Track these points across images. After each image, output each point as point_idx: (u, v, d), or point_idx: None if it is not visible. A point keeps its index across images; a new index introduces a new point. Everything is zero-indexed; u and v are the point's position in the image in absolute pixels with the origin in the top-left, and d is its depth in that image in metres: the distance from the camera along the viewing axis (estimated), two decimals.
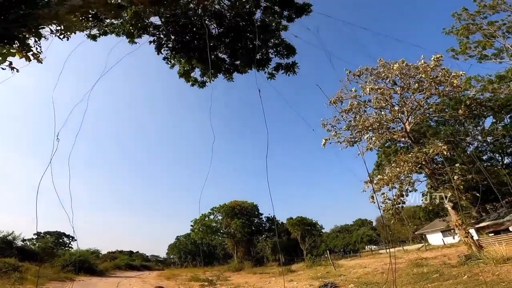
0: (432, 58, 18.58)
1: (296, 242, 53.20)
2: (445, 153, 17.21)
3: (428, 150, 17.67)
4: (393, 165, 19.84)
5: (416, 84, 19.16)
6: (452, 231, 26.54)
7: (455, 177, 16.53)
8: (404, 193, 19.26)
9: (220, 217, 53.07)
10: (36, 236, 58.05)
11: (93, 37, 9.14)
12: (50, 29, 4.59)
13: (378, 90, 19.65)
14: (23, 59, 4.37)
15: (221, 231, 53.72)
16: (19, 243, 35.30)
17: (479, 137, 25.54)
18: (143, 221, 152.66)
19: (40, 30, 4.04)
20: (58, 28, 4.59)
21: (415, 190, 20.02)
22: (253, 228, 54.05)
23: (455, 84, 18.00)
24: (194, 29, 8.96)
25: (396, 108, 20.10)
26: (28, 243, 47.95)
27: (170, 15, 8.76)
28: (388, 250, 42.04)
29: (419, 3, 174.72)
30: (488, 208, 25.57)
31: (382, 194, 19.57)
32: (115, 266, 43.77)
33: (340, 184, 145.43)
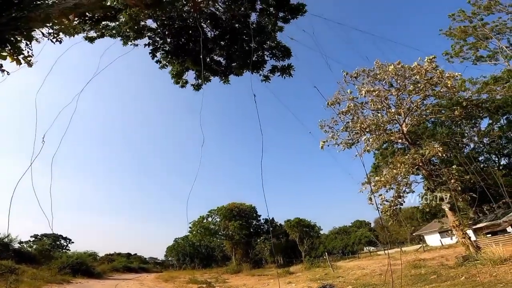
0: (426, 59, 18.68)
1: (295, 243, 53.12)
2: (440, 155, 17.27)
3: (425, 151, 17.71)
4: (390, 166, 19.87)
5: (412, 86, 19.24)
6: (449, 232, 26.61)
7: (452, 180, 16.58)
8: (401, 194, 19.31)
9: (218, 219, 52.99)
10: (33, 239, 57.81)
11: (91, 40, 9.12)
12: (42, 32, 4.57)
13: (374, 92, 19.72)
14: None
15: (220, 233, 53.61)
16: (16, 245, 35.16)
17: (475, 138, 25.63)
18: (141, 223, 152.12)
19: (32, 33, 4.02)
20: (51, 31, 4.57)
21: (413, 192, 20.07)
22: (252, 230, 53.94)
23: (449, 85, 18.08)
24: (190, 31, 8.96)
25: (393, 109, 20.16)
26: (25, 246, 47.71)
27: (166, 18, 8.76)
28: (386, 251, 42.11)
29: (418, 6, 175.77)
30: (485, 209, 25.62)
31: (379, 195, 19.61)
32: (112, 269, 43.60)
33: (338, 186, 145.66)
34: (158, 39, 9.16)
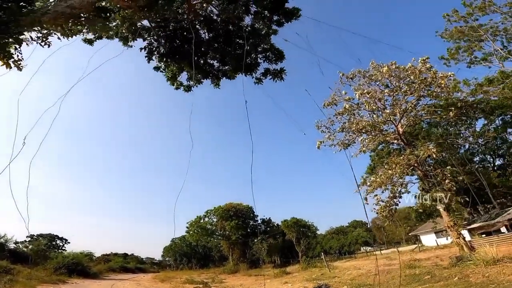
0: (420, 60, 18.82)
1: (292, 243, 53.16)
2: (434, 156, 17.39)
3: (419, 153, 17.82)
4: (385, 167, 19.97)
5: (406, 86, 19.37)
6: (444, 232, 26.77)
7: (446, 181, 16.70)
8: (397, 195, 19.40)
9: (215, 219, 52.97)
10: (29, 239, 57.45)
11: (89, 42, 9.12)
12: (30, 36, 4.57)
13: (368, 94, 19.81)
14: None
15: (216, 233, 53.60)
16: (12, 245, 34.97)
17: (471, 139, 25.82)
18: (139, 223, 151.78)
19: (21, 37, 4.03)
20: (39, 35, 4.57)
21: (408, 192, 20.18)
22: (249, 230, 53.91)
23: (443, 85, 18.22)
24: (185, 33, 8.98)
25: (388, 110, 20.27)
26: (20, 246, 47.40)
27: (161, 20, 8.76)
28: (381, 252, 42.30)
29: (413, 9, 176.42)
30: (479, 209, 25.82)
31: (375, 196, 19.68)
32: (109, 269, 43.42)
33: (335, 186, 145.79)
34: (153, 41, 9.17)
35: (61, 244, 63.75)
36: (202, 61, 9.65)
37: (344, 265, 28.91)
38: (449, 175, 17.11)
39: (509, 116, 28.06)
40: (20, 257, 29.07)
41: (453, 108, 19.91)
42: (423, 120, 24.20)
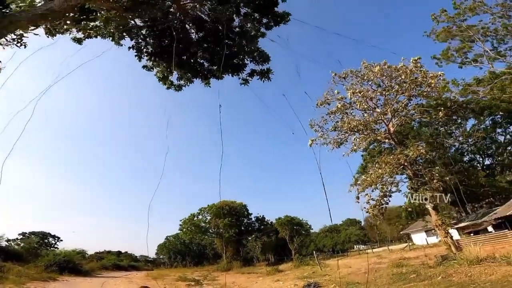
0: (411, 60, 18.99)
1: (285, 241, 53.43)
2: (423, 156, 17.61)
3: (409, 152, 18.03)
4: (376, 166, 20.17)
5: (397, 86, 19.55)
6: (434, 231, 27.12)
7: (434, 180, 16.94)
8: (387, 193, 19.62)
9: (208, 217, 52.94)
10: (21, 237, 57.02)
11: (78, 41, 9.05)
12: (6, 39, 4.56)
13: (360, 93, 19.96)
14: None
15: (210, 231, 53.59)
16: (3, 243, 34.69)
17: (460, 139, 26.13)
18: (133, 222, 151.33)
19: None
20: (14, 37, 4.56)
21: (399, 191, 20.43)
22: (242, 228, 54.02)
23: (433, 85, 18.43)
24: (174, 33, 8.97)
25: (379, 110, 20.45)
26: (12, 244, 47.06)
27: (149, 19, 8.74)
28: (373, 250, 42.72)
29: (413, 9, 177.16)
30: (468, 209, 26.19)
31: (366, 195, 19.88)
32: (101, 266, 43.12)
33: (330, 185, 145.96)
34: (140, 40, 9.14)
35: (53, 242, 63.34)
36: (192, 61, 9.66)
37: (336, 263, 29.16)
38: (437, 174, 17.36)
39: (499, 116, 28.46)
40: (11, 254, 28.89)
41: (442, 108, 20.14)
42: (414, 120, 24.45)
